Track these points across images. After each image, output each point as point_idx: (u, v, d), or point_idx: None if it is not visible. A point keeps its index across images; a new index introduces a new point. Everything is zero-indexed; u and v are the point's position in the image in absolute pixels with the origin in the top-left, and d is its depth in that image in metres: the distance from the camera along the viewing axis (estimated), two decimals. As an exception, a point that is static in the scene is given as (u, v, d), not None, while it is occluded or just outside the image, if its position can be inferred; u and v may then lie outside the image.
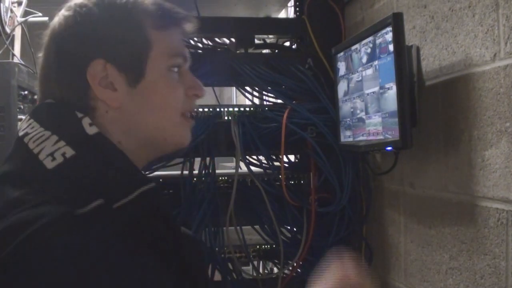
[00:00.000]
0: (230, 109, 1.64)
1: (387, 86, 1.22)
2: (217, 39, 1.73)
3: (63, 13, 0.73)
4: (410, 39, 1.31)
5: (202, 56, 1.66)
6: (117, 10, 0.72)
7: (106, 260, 0.57)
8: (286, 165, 1.69)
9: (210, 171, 1.59)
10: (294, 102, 1.65)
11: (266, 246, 1.73)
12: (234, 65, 1.62)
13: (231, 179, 1.63)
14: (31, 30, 1.97)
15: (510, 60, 0.98)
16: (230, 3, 1.89)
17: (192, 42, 1.67)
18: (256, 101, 1.76)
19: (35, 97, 1.64)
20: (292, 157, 1.83)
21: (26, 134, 0.68)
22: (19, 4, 1.98)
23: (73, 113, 0.69)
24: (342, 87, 1.49)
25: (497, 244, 1.03)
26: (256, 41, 1.75)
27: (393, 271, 1.51)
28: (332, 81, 1.58)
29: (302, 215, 1.64)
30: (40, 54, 0.74)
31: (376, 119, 1.29)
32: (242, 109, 1.64)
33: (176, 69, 0.76)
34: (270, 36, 1.82)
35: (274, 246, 1.70)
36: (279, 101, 1.70)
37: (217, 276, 1.62)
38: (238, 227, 1.64)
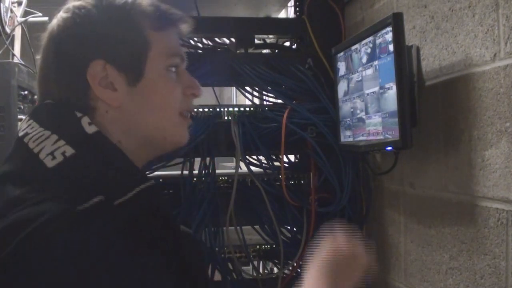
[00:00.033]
0: (230, 109, 1.64)
1: (387, 86, 1.22)
2: (217, 39, 1.73)
3: (61, 15, 0.73)
4: (410, 39, 1.31)
5: (202, 56, 1.66)
6: (116, 12, 0.73)
7: (106, 260, 0.58)
8: (286, 165, 1.69)
9: (210, 171, 1.59)
10: (294, 102, 1.65)
11: (266, 246, 1.73)
12: (234, 65, 1.62)
13: (231, 179, 1.63)
14: (31, 30, 1.97)
15: (510, 60, 0.98)
16: (230, 3, 1.89)
17: (192, 42, 1.67)
18: (256, 101, 1.76)
19: (35, 97, 1.64)
20: (292, 157, 1.83)
21: (26, 134, 0.69)
22: (19, 4, 1.98)
23: (72, 113, 0.69)
24: (342, 87, 1.49)
25: (497, 244, 1.03)
26: (256, 41, 1.75)
27: (393, 271, 1.51)
28: (332, 81, 1.58)
29: (302, 215, 1.65)
30: (38, 56, 0.75)
31: (376, 119, 1.29)
32: (242, 109, 1.64)
33: (174, 69, 0.77)
34: (270, 36, 1.82)
35: (274, 246, 1.70)
36: (279, 101, 1.70)
37: (217, 276, 1.62)
38: (238, 227, 1.64)
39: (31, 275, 0.54)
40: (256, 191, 1.63)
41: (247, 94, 1.69)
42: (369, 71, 1.31)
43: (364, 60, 1.33)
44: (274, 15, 2.09)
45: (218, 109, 1.63)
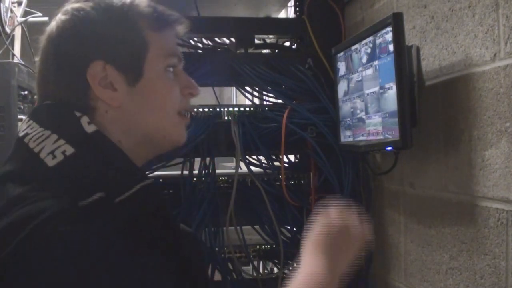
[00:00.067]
0: (230, 109, 1.64)
1: (387, 86, 1.22)
2: (217, 39, 1.73)
3: (60, 17, 0.74)
4: (410, 39, 1.31)
5: (202, 56, 1.66)
6: (114, 13, 0.73)
7: (106, 260, 0.58)
8: (286, 165, 1.69)
9: (210, 171, 1.60)
10: (294, 102, 1.65)
11: (266, 246, 1.73)
12: (234, 65, 1.62)
13: (231, 179, 1.63)
14: (31, 30, 1.97)
15: (510, 60, 0.98)
16: (230, 3, 1.90)
17: (192, 42, 1.67)
18: (256, 101, 1.76)
19: (35, 97, 1.64)
20: (292, 157, 1.83)
21: (26, 134, 0.69)
22: (19, 4, 1.98)
23: (72, 113, 0.70)
24: (342, 87, 1.49)
25: (497, 244, 1.03)
26: (256, 41, 1.75)
27: (393, 271, 1.51)
28: (332, 81, 1.58)
29: (302, 215, 1.65)
30: (37, 58, 0.75)
31: (376, 119, 1.29)
32: (242, 109, 1.64)
33: (171, 69, 0.77)
34: (270, 36, 1.82)
35: (274, 246, 1.70)
36: (279, 101, 1.70)
37: (217, 276, 1.62)
38: (238, 227, 1.64)
39: (31, 275, 0.54)
40: (256, 191, 1.63)
41: (247, 94, 1.70)
42: (369, 71, 1.31)
43: (364, 60, 1.33)
44: (274, 15, 2.09)
45: (218, 109, 1.63)
